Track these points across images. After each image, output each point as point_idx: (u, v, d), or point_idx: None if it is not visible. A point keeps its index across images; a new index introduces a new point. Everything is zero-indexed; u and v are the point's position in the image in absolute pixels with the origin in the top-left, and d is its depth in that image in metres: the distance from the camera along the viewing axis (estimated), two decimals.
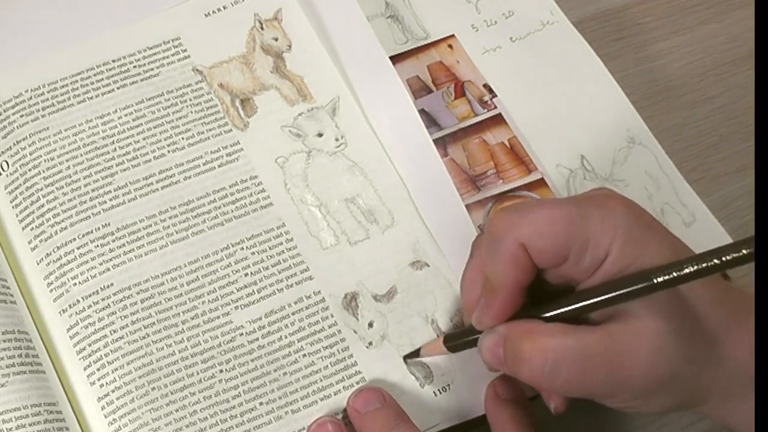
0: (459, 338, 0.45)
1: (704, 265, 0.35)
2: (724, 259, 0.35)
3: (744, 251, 0.34)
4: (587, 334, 0.39)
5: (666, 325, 0.38)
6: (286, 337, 0.47)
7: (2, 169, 0.50)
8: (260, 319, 0.47)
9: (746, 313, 0.40)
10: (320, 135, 0.52)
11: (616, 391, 0.39)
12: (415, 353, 0.47)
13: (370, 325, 0.48)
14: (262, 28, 0.54)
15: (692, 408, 0.41)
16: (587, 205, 0.40)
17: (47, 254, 0.48)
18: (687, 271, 0.36)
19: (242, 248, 0.48)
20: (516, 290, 0.40)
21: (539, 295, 0.42)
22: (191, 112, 0.51)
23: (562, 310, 0.40)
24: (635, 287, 0.38)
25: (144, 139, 0.50)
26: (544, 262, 0.40)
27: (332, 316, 0.48)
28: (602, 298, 0.39)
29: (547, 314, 0.40)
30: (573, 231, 0.39)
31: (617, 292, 0.38)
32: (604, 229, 0.39)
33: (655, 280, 0.37)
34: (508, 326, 0.40)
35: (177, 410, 0.45)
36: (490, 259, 0.41)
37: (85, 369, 0.46)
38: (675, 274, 0.36)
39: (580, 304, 0.39)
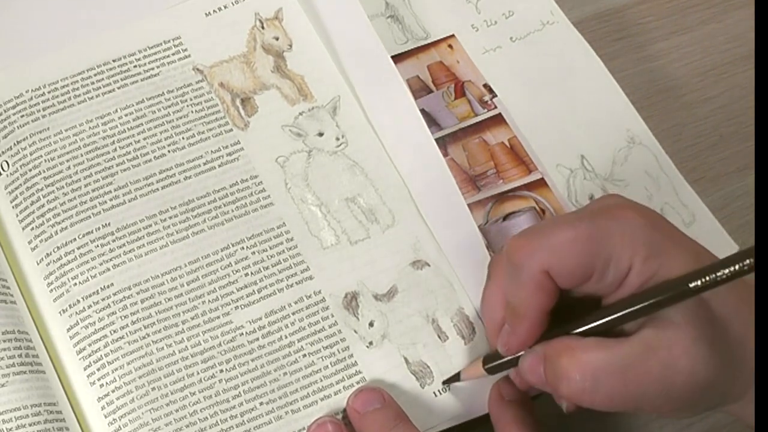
0: (498, 359, 0.44)
1: (737, 267, 0.35)
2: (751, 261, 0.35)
3: None
4: (624, 346, 0.39)
5: (700, 331, 0.38)
6: (286, 337, 0.47)
7: (2, 169, 0.50)
8: (260, 318, 0.47)
9: None
10: (321, 134, 0.52)
11: (659, 402, 0.39)
12: (455, 377, 0.47)
13: (371, 324, 0.48)
14: (262, 28, 0.54)
15: (723, 407, 0.41)
16: (603, 219, 0.40)
17: (47, 254, 0.48)
18: (722, 273, 0.36)
19: (242, 248, 0.48)
20: (542, 315, 0.41)
21: (563, 308, 0.42)
22: (192, 112, 0.51)
23: (597, 323, 0.40)
24: (671, 294, 0.38)
25: (144, 138, 0.50)
26: (568, 283, 0.40)
27: (332, 315, 0.48)
28: (636, 307, 0.39)
29: (581, 329, 0.40)
30: (594, 250, 0.39)
31: (652, 300, 0.38)
32: (624, 244, 0.39)
33: (690, 285, 0.37)
34: (545, 345, 0.41)
35: (177, 410, 0.45)
36: (513, 287, 0.41)
37: (85, 369, 0.46)
38: (709, 278, 0.36)
39: (615, 316, 0.39)
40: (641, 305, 0.38)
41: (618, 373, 0.38)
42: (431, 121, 0.56)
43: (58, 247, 0.48)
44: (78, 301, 0.47)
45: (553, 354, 0.40)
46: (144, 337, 0.46)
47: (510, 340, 0.42)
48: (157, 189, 0.49)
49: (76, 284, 0.47)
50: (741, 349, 0.40)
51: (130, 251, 0.48)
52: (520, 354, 0.42)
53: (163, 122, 0.51)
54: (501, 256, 0.43)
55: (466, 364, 0.47)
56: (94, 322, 0.46)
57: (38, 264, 0.48)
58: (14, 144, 0.50)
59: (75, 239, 0.48)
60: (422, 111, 0.55)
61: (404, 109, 0.53)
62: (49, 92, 0.51)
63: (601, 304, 0.41)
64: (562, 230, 0.40)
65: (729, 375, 0.39)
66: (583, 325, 0.40)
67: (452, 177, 0.51)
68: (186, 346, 0.46)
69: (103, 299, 0.47)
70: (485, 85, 0.57)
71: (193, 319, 0.47)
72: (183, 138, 0.51)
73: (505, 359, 0.44)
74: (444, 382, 0.47)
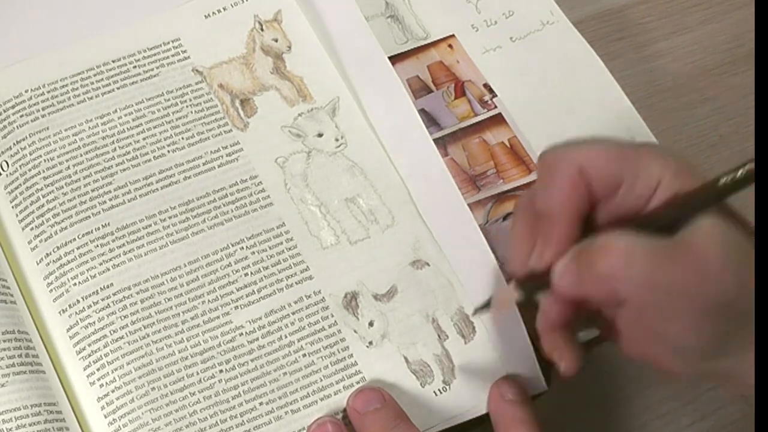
0: (531, 280, 0.43)
1: None
2: None
3: None
4: (661, 238, 0.38)
5: (734, 237, 0.38)
6: (286, 337, 0.47)
7: (2, 169, 0.50)
8: (260, 318, 0.47)
9: None
10: (320, 135, 0.52)
11: (681, 300, 0.38)
12: (486, 305, 0.46)
13: (371, 324, 0.48)
14: (262, 29, 0.54)
15: (725, 356, 0.39)
16: (637, 144, 0.41)
17: (47, 254, 0.48)
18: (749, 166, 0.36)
19: (242, 248, 0.48)
20: (575, 218, 0.40)
21: None
22: (191, 113, 0.51)
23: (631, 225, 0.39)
24: (702, 194, 0.37)
25: (144, 139, 0.50)
26: (601, 186, 0.40)
27: (332, 315, 0.48)
28: (670, 208, 0.38)
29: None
30: (626, 156, 0.39)
31: (684, 204, 0.38)
32: (655, 158, 0.39)
33: (721, 181, 0.37)
34: (577, 247, 0.40)
35: (177, 410, 0.45)
36: (545, 190, 0.40)
37: (84, 369, 0.46)
38: (741, 172, 0.36)
39: (646, 213, 0.39)
40: (674, 207, 0.38)
41: (654, 255, 0.37)
42: (431, 120, 0.56)
43: (57, 247, 0.48)
44: (78, 301, 0.47)
45: (587, 245, 0.39)
46: (144, 337, 0.46)
47: (543, 249, 0.40)
48: (157, 189, 0.49)
49: (75, 284, 0.47)
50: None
51: (129, 251, 0.48)
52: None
53: (162, 122, 0.51)
54: (527, 193, 0.43)
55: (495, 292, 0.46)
56: (94, 322, 0.46)
57: (38, 264, 0.48)
58: (14, 144, 0.50)
59: (75, 239, 0.48)
60: (422, 111, 0.55)
61: (403, 109, 0.53)
62: (48, 92, 0.51)
63: None
64: (594, 141, 0.40)
65: (749, 298, 0.38)
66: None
67: (451, 177, 0.51)
68: (186, 346, 0.46)
69: (102, 299, 0.47)
70: (485, 85, 0.57)
71: (192, 319, 0.47)
72: (182, 138, 0.51)
73: (539, 278, 0.42)
74: (475, 311, 0.47)
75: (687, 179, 0.39)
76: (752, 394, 0.39)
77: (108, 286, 0.47)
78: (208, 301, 0.47)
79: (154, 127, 0.51)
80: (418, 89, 0.57)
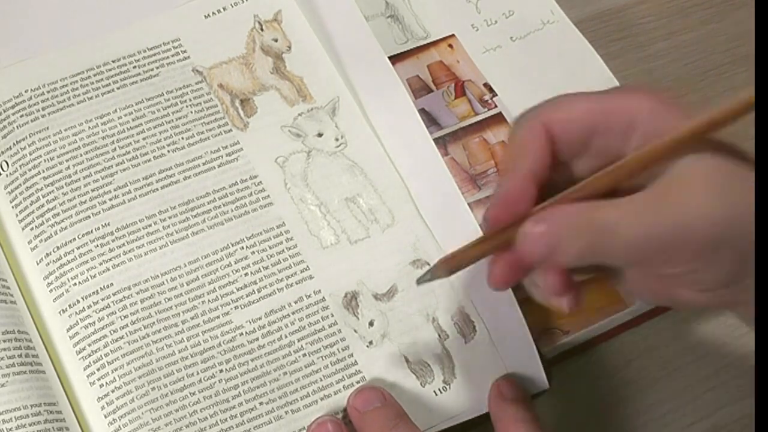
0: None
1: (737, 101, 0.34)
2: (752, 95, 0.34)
3: None
4: (636, 197, 0.36)
5: (721, 169, 0.36)
6: (286, 337, 0.47)
7: (2, 168, 0.50)
8: (260, 318, 0.47)
9: None
10: (320, 135, 0.52)
11: (672, 246, 0.36)
12: (428, 275, 0.42)
13: (371, 324, 0.48)
14: (261, 29, 0.54)
15: (743, 281, 0.37)
16: (609, 90, 0.40)
17: (47, 254, 0.48)
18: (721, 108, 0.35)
19: (242, 248, 0.48)
20: (530, 172, 0.38)
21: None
22: (191, 113, 0.52)
23: (604, 173, 0.38)
24: (679, 135, 0.36)
25: (144, 139, 0.50)
26: (570, 143, 0.39)
27: (332, 315, 0.48)
28: (646, 151, 0.37)
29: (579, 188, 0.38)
30: (596, 110, 0.38)
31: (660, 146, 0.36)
32: (630, 104, 0.38)
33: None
34: (545, 211, 0.38)
35: (177, 410, 0.45)
36: (508, 145, 0.40)
37: (84, 369, 0.46)
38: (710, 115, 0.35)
39: (619, 164, 0.37)
40: (650, 150, 0.36)
41: (634, 220, 0.36)
42: (431, 120, 0.56)
43: (57, 247, 0.48)
44: (78, 301, 0.47)
45: (558, 213, 0.37)
46: (144, 337, 0.46)
47: (493, 202, 0.39)
48: (157, 189, 0.49)
49: (75, 284, 0.47)
50: None
51: (129, 251, 0.48)
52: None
53: (162, 122, 0.51)
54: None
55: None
56: (94, 322, 0.46)
57: (38, 264, 0.48)
58: (14, 144, 0.50)
59: (75, 239, 0.48)
60: (422, 110, 0.55)
61: (403, 109, 0.53)
62: (48, 92, 0.51)
63: None
64: (566, 100, 0.40)
65: (747, 230, 0.36)
66: (586, 183, 0.38)
67: (451, 176, 0.51)
68: (186, 346, 0.46)
69: (102, 299, 0.47)
70: (485, 85, 0.57)
71: (192, 318, 0.47)
72: (182, 138, 0.51)
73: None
74: (418, 281, 0.43)
75: (666, 113, 0.38)
76: None
77: (108, 286, 0.47)
78: (208, 300, 0.47)
79: (154, 127, 0.51)
80: (419, 89, 0.57)
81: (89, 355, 0.46)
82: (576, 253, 0.37)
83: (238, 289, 0.48)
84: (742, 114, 0.35)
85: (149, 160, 0.50)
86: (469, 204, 0.52)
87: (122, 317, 0.46)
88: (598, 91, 0.40)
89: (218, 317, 0.47)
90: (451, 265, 0.41)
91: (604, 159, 0.39)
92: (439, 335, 0.48)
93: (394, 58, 0.57)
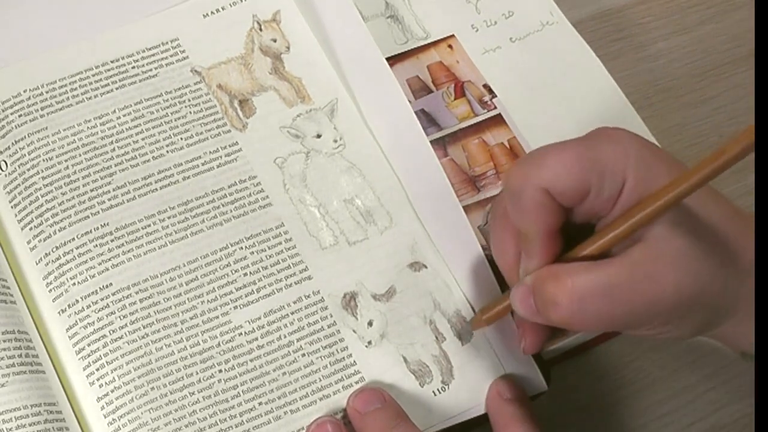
0: (494, 307, 0.46)
1: (713, 166, 0.36)
2: (729, 155, 0.35)
3: (746, 143, 0.34)
4: (610, 266, 0.39)
5: (689, 243, 0.38)
6: (285, 337, 0.47)
7: (1, 168, 0.50)
8: (259, 318, 0.47)
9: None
10: (319, 136, 0.52)
11: (646, 318, 0.39)
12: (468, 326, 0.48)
13: (370, 324, 0.48)
14: (260, 30, 0.54)
15: (715, 328, 0.41)
16: (595, 139, 0.41)
17: (46, 254, 0.48)
18: (695, 179, 0.36)
19: (241, 248, 0.48)
20: (550, 234, 0.41)
21: (574, 240, 0.42)
22: (190, 113, 0.52)
23: (588, 251, 0.40)
24: (654, 205, 0.38)
25: (143, 139, 0.50)
26: (568, 200, 0.40)
27: (331, 315, 0.48)
28: (621, 229, 0.39)
29: (571, 256, 0.41)
30: (588, 165, 0.40)
31: (635, 218, 0.38)
32: (616, 157, 0.40)
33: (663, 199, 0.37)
34: (533, 275, 0.41)
35: (176, 410, 0.45)
36: (517, 213, 0.41)
37: (84, 369, 0.46)
38: (684, 186, 0.36)
39: (602, 241, 0.40)
40: (628, 223, 0.39)
41: (604, 293, 0.38)
42: (431, 121, 0.56)
43: (56, 247, 0.48)
44: (77, 301, 0.47)
45: (540, 282, 0.40)
46: (143, 337, 0.46)
47: (528, 264, 0.42)
48: (156, 189, 0.49)
49: (75, 284, 0.47)
50: (736, 261, 0.40)
51: (128, 251, 0.48)
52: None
53: (161, 123, 0.51)
54: (499, 197, 0.44)
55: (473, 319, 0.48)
56: (93, 322, 0.46)
57: (37, 264, 0.48)
58: (12, 143, 0.50)
59: (74, 239, 0.48)
60: (422, 111, 0.55)
61: (400, 111, 0.53)
62: (47, 92, 0.51)
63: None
64: (556, 151, 0.40)
65: (722, 287, 0.39)
66: (573, 253, 0.41)
67: (448, 180, 0.51)
68: (185, 346, 0.46)
69: (102, 299, 0.47)
70: (485, 86, 0.57)
71: (192, 319, 0.47)
72: (181, 138, 0.51)
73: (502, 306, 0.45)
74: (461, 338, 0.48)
75: (648, 174, 0.39)
76: (750, 351, 0.41)
77: (107, 286, 0.47)
78: (208, 301, 0.47)
79: (153, 128, 0.51)
80: (418, 89, 0.57)
81: (89, 355, 0.46)
82: (554, 321, 0.40)
83: (237, 290, 0.48)
84: (726, 168, 0.36)
85: (148, 161, 0.50)
86: (468, 206, 0.52)
87: (121, 317, 0.46)
88: (580, 139, 0.41)
89: (217, 317, 0.47)
90: (487, 320, 0.46)
91: (593, 213, 0.41)
92: (437, 337, 0.48)
93: (394, 59, 0.57)
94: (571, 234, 0.42)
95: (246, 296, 0.48)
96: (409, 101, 0.55)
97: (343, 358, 0.47)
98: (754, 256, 0.39)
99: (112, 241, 0.48)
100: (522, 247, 0.42)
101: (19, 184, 0.49)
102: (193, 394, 0.45)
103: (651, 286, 0.38)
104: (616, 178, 0.39)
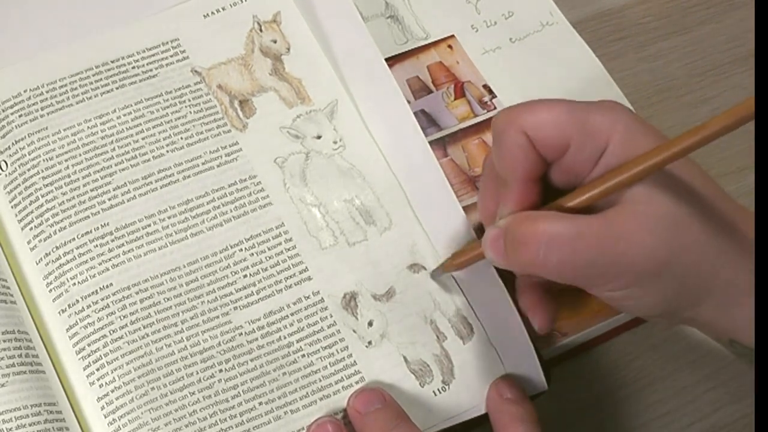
0: (468, 252, 0.46)
1: (695, 139, 0.36)
2: (719, 126, 0.35)
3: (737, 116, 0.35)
4: (583, 219, 0.39)
5: (667, 210, 0.38)
6: (285, 338, 0.47)
7: (1, 168, 0.50)
8: (259, 319, 0.47)
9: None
10: (319, 137, 0.52)
11: (611, 274, 0.39)
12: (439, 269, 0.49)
13: (370, 324, 0.48)
14: (261, 30, 0.54)
15: (689, 308, 0.40)
16: (590, 103, 0.41)
17: (46, 254, 0.48)
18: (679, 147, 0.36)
19: (241, 250, 0.48)
20: (526, 180, 0.41)
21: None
22: (190, 113, 0.52)
23: (565, 205, 0.40)
24: (636, 168, 0.38)
25: (143, 138, 0.50)
26: (548, 150, 0.40)
27: (331, 316, 0.48)
28: (603, 187, 0.39)
29: (547, 208, 0.41)
30: (572, 121, 0.40)
31: (617, 179, 0.38)
32: (604, 121, 0.40)
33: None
34: (508, 218, 0.41)
35: (176, 410, 0.45)
36: (497, 154, 0.42)
37: (84, 369, 0.46)
38: (666, 153, 0.37)
39: (581, 197, 0.40)
40: (609, 183, 0.39)
41: (571, 241, 0.38)
42: (431, 121, 0.56)
43: (57, 247, 0.48)
44: (77, 301, 0.47)
45: (512, 223, 0.40)
46: (143, 337, 0.46)
47: (502, 210, 0.42)
48: (156, 189, 0.49)
49: (75, 284, 0.47)
50: (734, 234, 0.39)
51: (129, 251, 0.48)
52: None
53: (161, 122, 0.51)
54: (489, 152, 0.44)
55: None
56: (94, 322, 0.46)
57: (37, 264, 0.48)
58: (12, 143, 0.50)
59: (74, 239, 0.48)
60: (422, 111, 0.55)
61: (399, 113, 0.53)
62: (47, 92, 0.51)
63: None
64: (547, 102, 0.41)
65: (697, 259, 0.38)
66: (551, 205, 0.41)
67: (446, 180, 0.51)
68: (185, 346, 0.46)
69: (102, 299, 0.47)
70: (485, 86, 0.57)
71: (192, 319, 0.47)
72: (181, 138, 0.51)
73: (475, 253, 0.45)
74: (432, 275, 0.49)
75: (633, 142, 0.39)
76: (738, 338, 0.40)
77: (107, 286, 0.47)
78: (208, 301, 0.47)
79: (153, 128, 0.51)
80: (418, 90, 0.57)
81: (89, 355, 0.46)
82: (519, 263, 0.40)
83: (237, 290, 0.48)
84: (707, 142, 0.36)
85: (148, 160, 0.50)
86: (468, 206, 0.52)
87: (122, 317, 0.46)
88: (577, 101, 0.41)
89: (217, 317, 0.47)
90: (458, 264, 0.47)
91: (573, 173, 0.41)
92: (438, 336, 0.48)
93: (394, 59, 0.57)
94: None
95: (246, 297, 0.48)
96: (409, 101, 0.56)
97: (344, 358, 0.47)
98: (750, 240, 0.39)
99: (112, 241, 0.48)
100: (500, 193, 0.42)
101: (19, 184, 0.49)
102: (193, 394, 0.45)
103: (619, 243, 0.38)
104: (599, 140, 0.39)
